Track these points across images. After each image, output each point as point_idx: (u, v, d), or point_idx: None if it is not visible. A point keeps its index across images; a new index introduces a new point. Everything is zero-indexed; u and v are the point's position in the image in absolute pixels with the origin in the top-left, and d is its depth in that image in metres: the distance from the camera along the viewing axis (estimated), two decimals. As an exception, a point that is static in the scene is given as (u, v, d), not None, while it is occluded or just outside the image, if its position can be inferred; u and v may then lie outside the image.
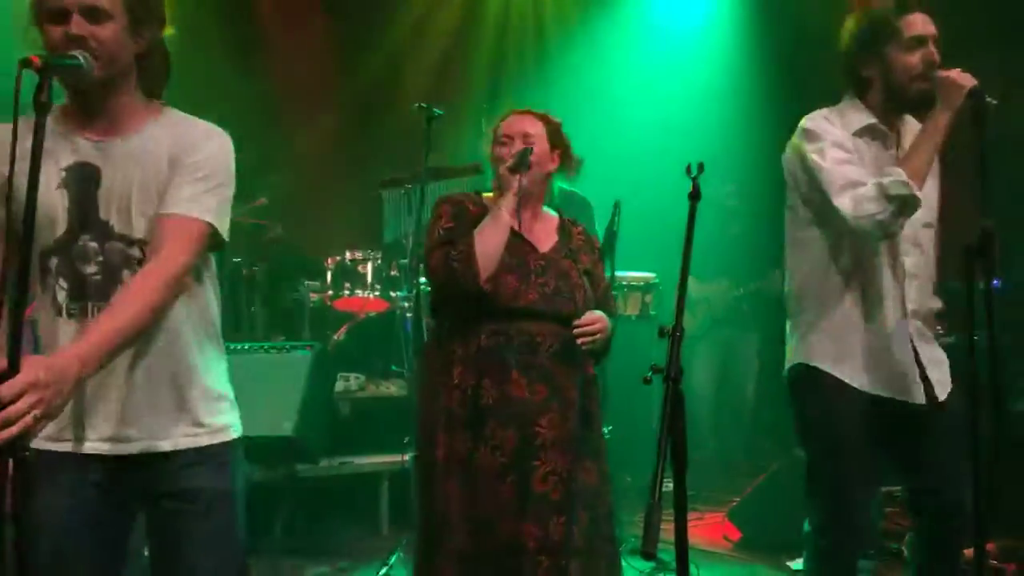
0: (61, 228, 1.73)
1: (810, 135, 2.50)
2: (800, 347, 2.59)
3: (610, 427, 4.08)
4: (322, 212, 5.57)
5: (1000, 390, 2.31)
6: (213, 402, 1.86)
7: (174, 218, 1.73)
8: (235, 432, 1.90)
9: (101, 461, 1.76)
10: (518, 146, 2.55)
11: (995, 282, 2.28)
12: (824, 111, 2.57)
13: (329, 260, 4.87)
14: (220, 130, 1.85)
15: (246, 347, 4.12)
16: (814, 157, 2.46)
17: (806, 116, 2.56)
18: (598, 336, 2.48)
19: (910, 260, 2.53)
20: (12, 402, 1.43)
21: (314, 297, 4.98)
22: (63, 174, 1.74)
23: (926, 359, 2.52)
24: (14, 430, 1.43)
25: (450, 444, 2.43)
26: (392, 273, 4.77)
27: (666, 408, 1.72)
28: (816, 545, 2.56)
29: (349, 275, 4.80)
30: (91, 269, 1.74)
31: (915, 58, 2.44)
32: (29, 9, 1.69)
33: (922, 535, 2.63)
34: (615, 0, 6.48)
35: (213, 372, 1.88)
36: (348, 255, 4.82)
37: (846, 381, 2.50)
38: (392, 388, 4.86)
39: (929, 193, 2.54)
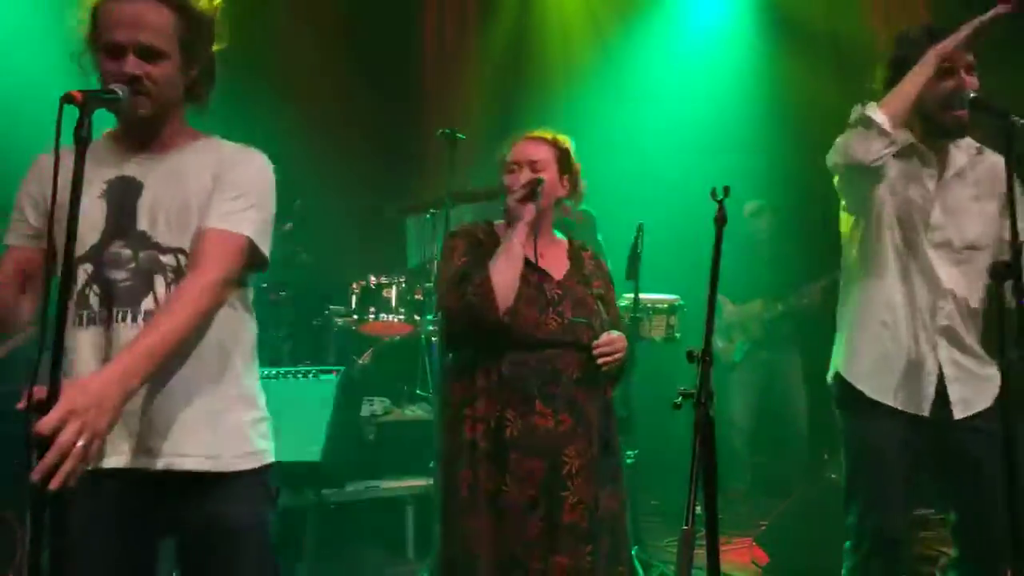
0: (96, 237, 1.77)
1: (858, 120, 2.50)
2: (839, 358, 2.66)
3: (636, 451, 4.06)
4: (347, 237, 5.59)
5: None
6: (249, 427, 1.86)
7: (213, 231, 1.75)
8: (268, 458, 1.89)
9: (124, 477, 1.74)
10: (526, 174, 2.54)
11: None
12: None
13: (354, 284, 4.89)
14: (261, 153, 1.90)
15: (272, 372, 4.14)
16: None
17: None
18: (618, 356, 2.47)
19: (947, 276, 2.54)
20: (55, 434, 1.43)
21: (339, 321, 4.99)
22: (105, 186, 1.79)
23: (953, 376, 2.53)
24: (70, 464, 1.43)
25: (475, 479, 2.40)
26: (417, 297, 4.78)
27: (696, 434, 1.72)
28: (851, 562, 2.57)
29: (374, 299, 4.80)
30: (121, 275, 1.76)
31: (946, 87, 2.46)
32: (86, 40, 1.75)
33: (964, 563, 2.60)
34: (639, 19, 6.51)
35: (252, 397, 1.89)
36: (373, 279, 4.83)
37: (876, 398, 2.54)
38: (417, 412, 4.86)
39: (975, 216, 2.56)
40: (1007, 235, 2.52)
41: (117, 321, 1.75)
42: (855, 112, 2.42)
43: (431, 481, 3.93)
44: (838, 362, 2.67)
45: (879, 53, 2.63)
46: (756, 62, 6.22)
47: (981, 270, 2.55)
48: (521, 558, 2.34)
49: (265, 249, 1.83)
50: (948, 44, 2.40)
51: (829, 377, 2.70)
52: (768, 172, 5.53)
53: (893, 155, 2.50)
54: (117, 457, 1.73)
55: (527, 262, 2.51)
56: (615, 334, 2.50)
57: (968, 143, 2.62)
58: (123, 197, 1.78)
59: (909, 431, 2.54)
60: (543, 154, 2.58)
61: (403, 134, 5.73)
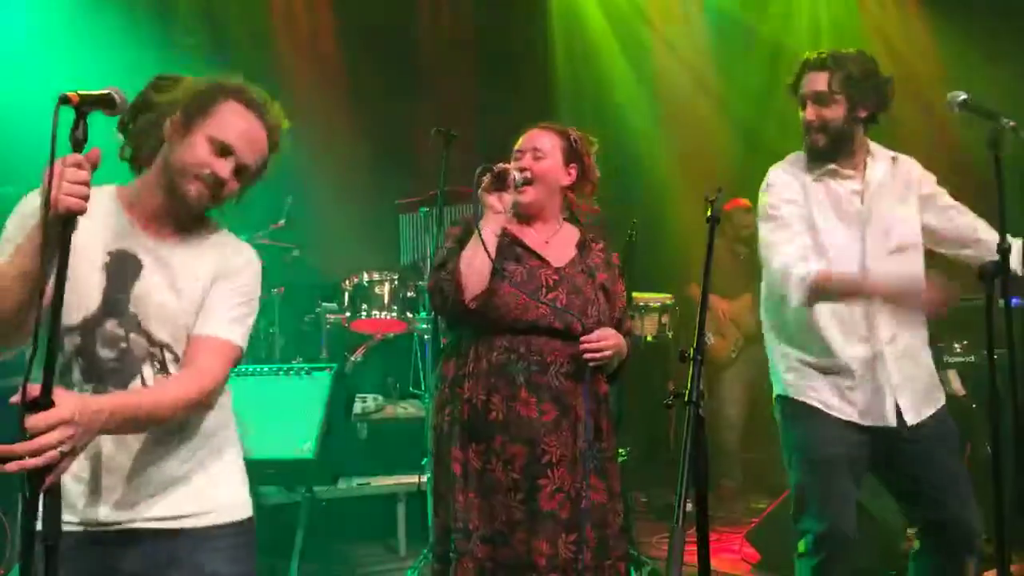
0: (91, 309, 1.76)
1: (768, 187, 2.72)
2: (781, 379, 2.74)
3: (627, 449, 4.08)
4: (339, 234, 5.59)
5: (1021, 407, 2.31)
6: (224, 483, 1.90)
7: (216, 339, 1.81)
8: (249, 511, 1.92)
9: (103, 536, 1.75)
10: (527, 160, 2.57)
11: (1014, 300, 2.30)
12: (792, 157, 2.77)
13: (346, 281, 4.89)
14: (256, 257, 1.96)
15: (264, 369, 4.14)
16: (768, 210, 2.68)
17: (777, 164, 2.76)
18: (606, 353, 2.45)
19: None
20: (42, 433, 1.45)
21: (331, 319, 4.99)
22: (107, 257, 1.79)
23: (899, 382, 2.60)
24: (39, 461, 1.45)
25: (464, 457, 2.44)
26: (409, 294, 4.78)
27: (687, 432, 1.73)
28: (807, 566, 2.62)
29: (366, 296, 4.80)
30: (110, 354, 1.76)
31: (803, 115, 2.68)
32: (186, 103, 1.81)
33: (926, 555, 2.68)
34: (637, 23, 6.52)
35: (227, 454, 1.92)
36: (365, 276, 4.83)
37: (824, 410, 2.62)
38: (409, 409, 4.87)
39: (899, 220, 2.66)
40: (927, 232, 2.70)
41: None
42: (792, 279, 2.53)
43: (423, 478, 3.93)
44: (782, 382, 2.73)
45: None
46: (752, 57, 6.25)
47: (913, 268, 2.66)
48: (507, 535, 2.39)
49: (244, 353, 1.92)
50: (886, 293, 2.53)
51: (777, 396, 2.76)
52: (758, 170, 5.55)
53: (816, 180, 2.68)
54: (103, 516, 1.75)
55: (526, 248, 2.53)
56: (607, 331, 2.48)
57: (883, 152, 2.73)
58: (122, 274, 1.79)
59: (861, 442, 2.61)
60: (547, 142, 2.60)
61: (398, 131, 5.72)
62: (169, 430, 1.81)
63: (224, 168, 1.78)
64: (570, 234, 2.67)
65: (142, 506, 1.78)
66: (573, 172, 2.63)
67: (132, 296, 1.78)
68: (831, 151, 2.66)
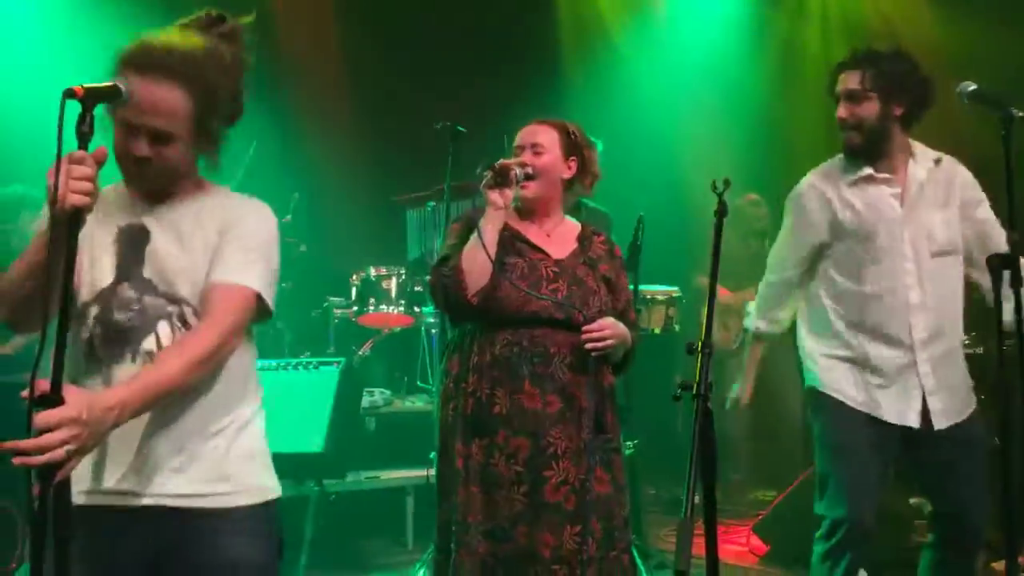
0: (106, 281, 1.76)
1: (793, 200, 2.81)
2: (809, 371, 2.78)
3: (635, 441, 4.08)
4: (346, 228, 5.59)
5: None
6: (248, 461, 1.82)
7: (223, 285, 1.75)
8: (273, 493, 1.85)
9: (113, 514, 1.72)
10: (527, 156, 2.57)
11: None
12: (827, 165, 2.79)
13: (354, 276, 4.90)
14: (264, 205, 1.90)
15: (273, 364, 4.15)
16: (784, 227, 2.85)
17: (810, 173, 2.80)
18: (608, 342, 2.44)
19: (915, 293, 2.63)
20: (48, 431, 1.43)
21: (339, 313, 5.00)
22: (116, 231, 1.78)
23: (932, 387, 2.61)
24: (43, 459, 1.43)
25: (467, 452, 2.45)
26: (416, 289, 4.79)
27: (696, 425, 1.73)
28: (821, 548, 2.65)
29: (374, 291, 4.81)
30: (125, 316, 1.74)
31: (838, 112, 2.70)
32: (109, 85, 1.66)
33: (935, 555, 2.72)
34: (639, 13, 6.50)
35: (250, 430, 1.85)
36: (372, 271, 4.83)
37: (849, 404, 2.66)
38: (417, 403, 4.88)
39: (941, 223, 2.67)
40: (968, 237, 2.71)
41: (117, 361, 1.73)
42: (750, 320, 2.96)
43: (431, 472, 3.95)
44: (811, 376, 2.77)
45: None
46: (757, 51, 6.23)
47: (953, 272, 2.68)
48: (508, 530, 2.39)
49: (271, 301, 1.82)
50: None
51: (807, 389, 2.79)
52: (767, 164, 5.54)
53: (851, 186, 2.69)
54: (113, 484, 1.71)
55: (527, 241, 2.54)
56: (608, 320, 2.48)
57: (926, 154, 2.73)
58: (132, 244, 1.78)
59: (884, 436, 2.63)
60: (545, 136, 2.59)
61: (405, 125, 5.72)
62: (188, 399, 1.74)
63: (140, 148, 1.69)
64: (571, 227, 2.68)
65: (157, 480, 1.72)
66: (573, 165, 2.63)
67: (145, 261, 1.77)
68: (867, 150, 2.67)
